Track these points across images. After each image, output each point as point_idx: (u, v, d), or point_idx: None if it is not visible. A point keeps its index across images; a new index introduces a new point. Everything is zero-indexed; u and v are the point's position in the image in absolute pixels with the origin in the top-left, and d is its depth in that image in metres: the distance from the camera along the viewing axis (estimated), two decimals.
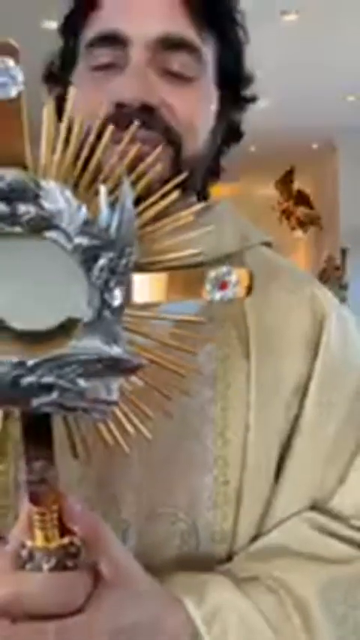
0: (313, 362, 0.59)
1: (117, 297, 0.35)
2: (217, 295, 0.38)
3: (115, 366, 0.37)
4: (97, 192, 0.34)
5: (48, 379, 0.36)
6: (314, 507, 0.58)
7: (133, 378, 0.40)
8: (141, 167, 0.37)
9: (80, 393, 0.37)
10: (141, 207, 0.37)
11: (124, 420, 0.41)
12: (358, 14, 3.41)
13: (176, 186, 0.39)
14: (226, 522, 0.55)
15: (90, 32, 0.57)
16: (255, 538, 0.56)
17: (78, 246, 0.34)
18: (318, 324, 0.60)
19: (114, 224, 0.34)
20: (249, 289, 0.38)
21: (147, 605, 0.45)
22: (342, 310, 0.65)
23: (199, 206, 0.42)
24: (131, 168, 0.37)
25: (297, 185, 6.58)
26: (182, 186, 0.41)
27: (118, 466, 0.53)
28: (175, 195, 0.38)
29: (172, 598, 0.47)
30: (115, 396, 0.38)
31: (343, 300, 5.46)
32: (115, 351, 0.36)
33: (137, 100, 0.53)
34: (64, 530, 0.43)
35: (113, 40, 0.55)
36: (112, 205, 0.34)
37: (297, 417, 0.58)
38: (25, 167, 0.34)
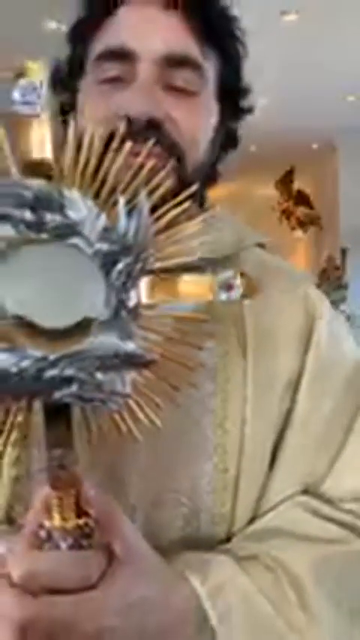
0: (305, 358, 0.63)
1: (132, 298, 0.39)
2: (224, 296, 0.41)
3: (129, 361, 0.40)
4: (115, 203, 0.38)
5: (68, 372, 0.39)
6: (306, 492, 0.62)
7: (145, 372, 0.43)
8: (156, 179, 0.41)
9: (98, 386, 0.40)
10: (155, 215, 0.41)
11: (137, 409, 0.44)
12: (358, 14, 3.42)
13: (187, 197, 0.42)
14: (225, 506, 0.58)
15: (99, 45, 0.60)
16: (252, 520, 0.60)
17: (98, 251, 0.37)
18: (310, 322, 0.64)
19: (131, 231, 0.37)
20: (254, 292, 0.41)
21: (155, 581, 0.48)
22: (332, 309, 0.69)
23: (204, 216, 0.45)
24: (146, 180, 0.41)
25: (297, 185, 6.59)
26: (191, 196, 0.44)
27: (126, 453, 0.56)
28: (186, 204, 0.41)
29: (177, 575, 0.50)
30: (128, 389, 0.41)
31: (343, 300, 5.48)
32: (130, 346, 0.40)
33: (145, 115, 0.55)
34: (79, 512, 0.46)
35: (121, 55, 0.58)
36: (130, 214, 0.37)
37: (290, 410, 0.62)
38: (49, 178, 0.38)
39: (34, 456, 0.55)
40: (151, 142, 0.42)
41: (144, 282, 0.41)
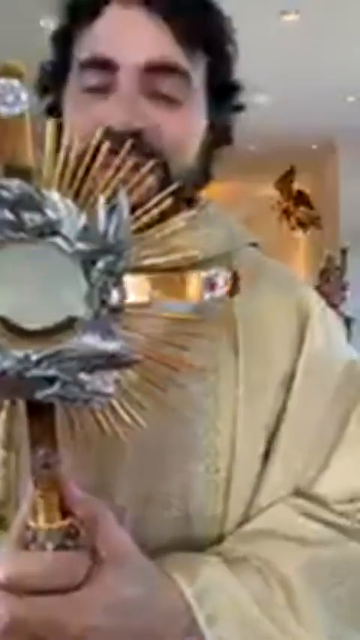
0: (298, 358, 0.62)
1: (114, 297, 0.39)
2: (207, 295, 0.41)
3: (112, 361, 0.40)
4: (95, 202, 0.38)
5: (51, 372, 0.39)
6: (298, 493, 0.61)
7: (129, 372, 0.43)
8: (135, 178, 0.40)
9: (80, 386, 0.40)
10: (135, 214, 0.40)
11: (120, 410, 0.44)
12: (358, 14, 3.42)
13: (169, 195, 0.42)
14: (217, 508, 0.58)
15: (82, 52, 0.58)
16: (243, 522, 0.59)
17: (78, 250, 0.37)
18: (303, 322, 0.64)
19: (111, 230, 0.37)
20: (235, 290, 0.41)
21: (141, 583, 0.47)
22: (326, 308, 0.68)
23: (190, 214, 0.45)
24: (125, 180, 0.40)
25: (297, 185, 6.59)
26: (174, 195, 0.44)
27: (113, 454, 0.56)
28: (167, 203, 0.41)
29: (165, 576, 0.50)
30: (111, 389, 0.41)
31: (343, 300, 5.47)
32: (112, 346, 0.40)
33: (126, 126, 0.54)
34: (64, 513, 0.46)
35: (102, 64, 0.56)
36: (109, 213, 0.37)
37: (282, 410, 0.61)
38: (29, 178, 0.37)
39: (22, 455, 0.55)
40: (129, 142, 0.42)
41: (130, 281, 0.41)
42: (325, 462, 0.62)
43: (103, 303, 0.38)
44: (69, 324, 0.40)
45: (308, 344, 0.63)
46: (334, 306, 5.10)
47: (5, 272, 0.38)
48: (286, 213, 6.78)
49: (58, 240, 0.37)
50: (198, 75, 0.60)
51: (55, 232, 0.37)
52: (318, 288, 3.91)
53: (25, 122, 0.37)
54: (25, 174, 0.37)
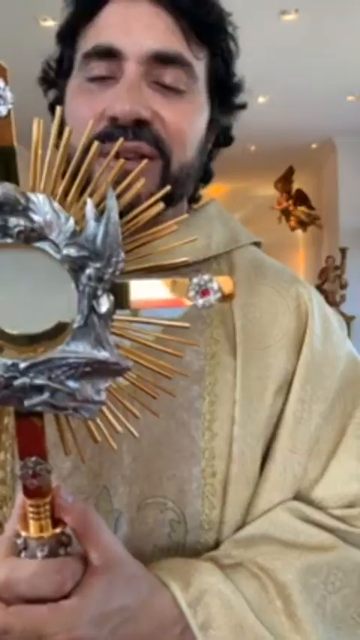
0: (297, 359, 0.61)
1: (104, 304, 0.38)
2: (200, 302, 0.40)
3: (102, 369, 0.39)
4: (84, 205, 0.36)
5: (39, 381, 0.38)
6: (296, 497, 0.61)
7: (121, 379, 0.42)
8: (126, 181, 0.39)
9: (70, 394, 0.39)
10: (126, 218, 0.39)
11: (112, 418, 0.43)
12: (358, 14, 3.41)
13: (162, 198, 0.41)
14: (214, 512, 0.57)
15: (87, 43, 0.59)
16: (241, 526, 0.58)
17: (66, 256, 0.36)
18: (302, 322, 0.63)
19: (100, 235, 0.36)
20: (230, 296, 0.40)
21: (133, 590, 0.47)
22: (325, 307, 0.67)
23: (183, 217, 0.44)
24: (117, 181, 0.39)
25: (297, 185, 6.58)
26: (169, 197, 0.43)
27: (109, 458, 0.55)
28: (159, 207, 0.40)
29: (158, 583, 0.49)
30: (103, 397, 0.40)
31: (343, 299, 5.46)
32: (103, 354, 0.39)
33: (130, 114, 0.55)
34: (55, 521, 0.45)
35: (108, 53, 0.57)
36: (99, 217, 0.36)
37: (281, 412, 0.61)
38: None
39: (17, 459, 0.54)
40: (120, 141, 0.41)
41: (121, 287, 0.39)
42: (324, 466, 0.61)
43: (93, 309, 0.37)
44: (58, 332, 0.39)
45: (307, 345, 0.62)
46: (333, 305, 5.10)
47: None
48: (286, 213, 6.76)
49: (46, 245, 0.36)
50: (200, 69, 0.60)
51: (42, 237, 0.36)
52: (318, 288, 3.91)
53: (11, 122, 0.36)
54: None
